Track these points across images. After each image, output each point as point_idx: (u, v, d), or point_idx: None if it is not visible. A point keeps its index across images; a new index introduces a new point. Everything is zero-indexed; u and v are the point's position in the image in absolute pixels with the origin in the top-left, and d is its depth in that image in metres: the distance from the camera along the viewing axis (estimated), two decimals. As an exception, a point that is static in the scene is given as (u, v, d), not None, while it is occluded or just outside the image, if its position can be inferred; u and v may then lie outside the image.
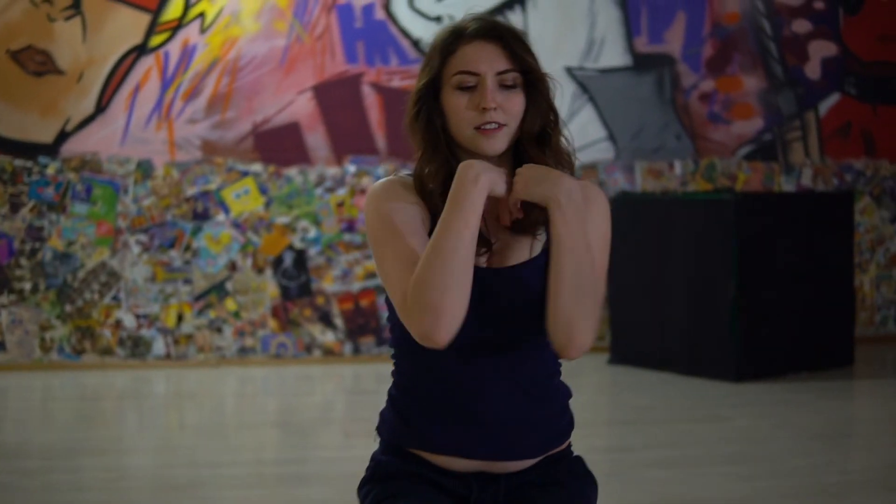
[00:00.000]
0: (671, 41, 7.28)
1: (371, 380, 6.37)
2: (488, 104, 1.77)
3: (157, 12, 6.73)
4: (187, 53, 6.75)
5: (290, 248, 6.85)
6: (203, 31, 6.77)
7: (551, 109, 1.86)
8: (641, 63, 7.20)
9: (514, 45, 1.81)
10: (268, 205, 6.83)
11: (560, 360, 1.91)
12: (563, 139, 1.89)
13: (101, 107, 6.70)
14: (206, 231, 6.77)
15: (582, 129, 7.06)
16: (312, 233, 6.85)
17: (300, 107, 6.83)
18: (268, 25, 6.80)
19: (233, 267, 6.80)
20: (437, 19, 6.90)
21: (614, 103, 7.15)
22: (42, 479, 4.15)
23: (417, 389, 1.87)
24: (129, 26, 6.70)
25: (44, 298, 6.64)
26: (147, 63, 6.73)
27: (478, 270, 1.76)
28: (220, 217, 6.79)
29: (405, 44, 6.91)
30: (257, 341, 6.82)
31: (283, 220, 6.84)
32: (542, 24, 7.04)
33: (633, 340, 6.57)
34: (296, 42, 6.82)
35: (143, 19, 6.72)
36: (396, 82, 6.90)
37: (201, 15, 6.76)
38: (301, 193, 6.85)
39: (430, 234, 1.80)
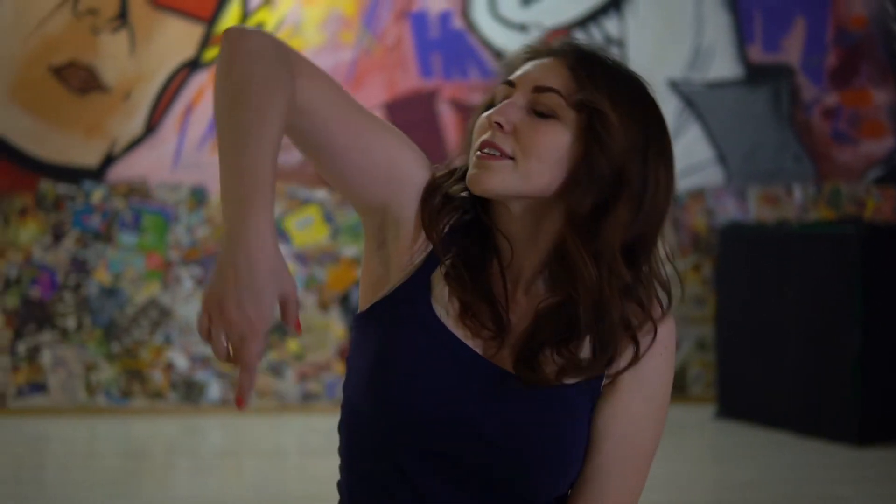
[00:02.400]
0: (789, 49, 6.82)
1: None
2: (495, 116, 1.35)
3: (211, 23, 6.43)
4: None
5: (358, 283, 6.35)
6: (262, 42, 6.34)
7: (623, 181, 1.35)
8: (755, 75, 6.78)
9: (581, 66, 1.36)
10: (333, 235, 6.51)
11: None
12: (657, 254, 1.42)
13: (151, 127, 6.44)
14: None
15: (687, 150, 6.67)
16: (382, 268, 6.41)
17: None
18: (333, 36, 6.49)
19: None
20: (522, 27, 6.57)
21: (724, 120, 6.76)
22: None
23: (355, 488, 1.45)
24: (181, 39, 6.42)
25: (89, 337, 6.38)
26: (201, 79, 6.43)
27: (474, 360, 1.36)
28: (282, 249, 6.34)
29: (486, 55, 6.56)
30: (321, 386, 6.50)
31: (350, 252, 6.50)
32: (643, 31, 6.70)
33: (742, 392, 6.15)
34: (364, 54, 6.50)
35: (197, 31, 6.43)
36: (476, 98, 6.41)
37: (260, 26, 6.44)
38: (370, 223, 6.40)
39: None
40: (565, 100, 1.35)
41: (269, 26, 6.38)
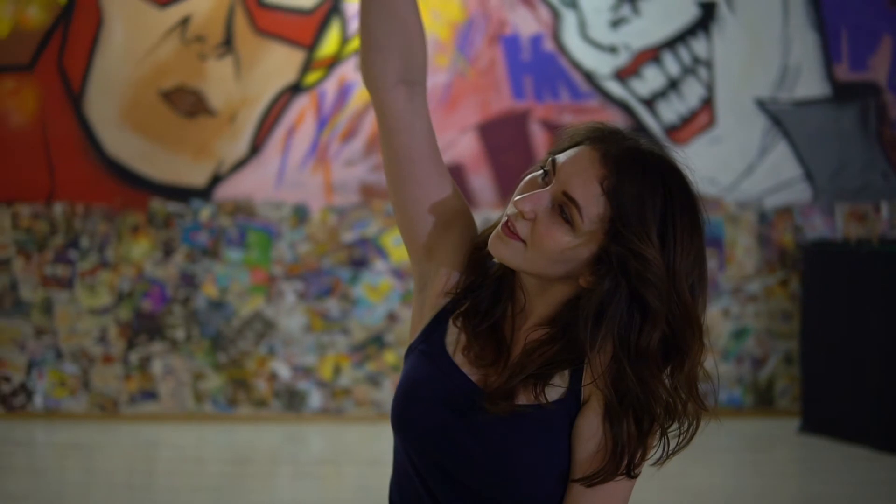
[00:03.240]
0: (876, 68, 6.79)
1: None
2: (521, 204, 1.45)
3: (312, 49, 6.60)
4: (344, 92, 6.60)
5: None
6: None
7: (645, 313, 1.41)
8: (842, 93, 6.77)
9: (615, 190, 1.41)
10: None
11: None
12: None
13: (255, 149, 6.63)
14: (365, 279, 6.59)
15: (775, 168, 6.71)
16: (476, 283, 6.55)
17: (464, 147, 6.63)
18: (429, 60, 6.52)
19: (392, 318, 6.58)
20: (612, 49, 6.64)
21: (812, 138, 6.75)
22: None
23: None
24: (284, 64, 6.60)
25: (197, 347, 6.61)
26: (302, 102, 6.61)
27: (465, 386, 1.52)
28: (379, 265, 6.59)
29: (577, 77, 6.64)
30: None
31: None
32: (730, 50, 6.71)
33: (825, 407, 6.15)
34: (458, 77, 6.63)
35: (298, 56, 6.60)
36: (567, 119, 6.62)
37: (358, 51, 6.54)
38: (464, 240, 6.55)
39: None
40: (583, 220, 1.42)
41: None
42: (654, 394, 1.41)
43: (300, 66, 6.58)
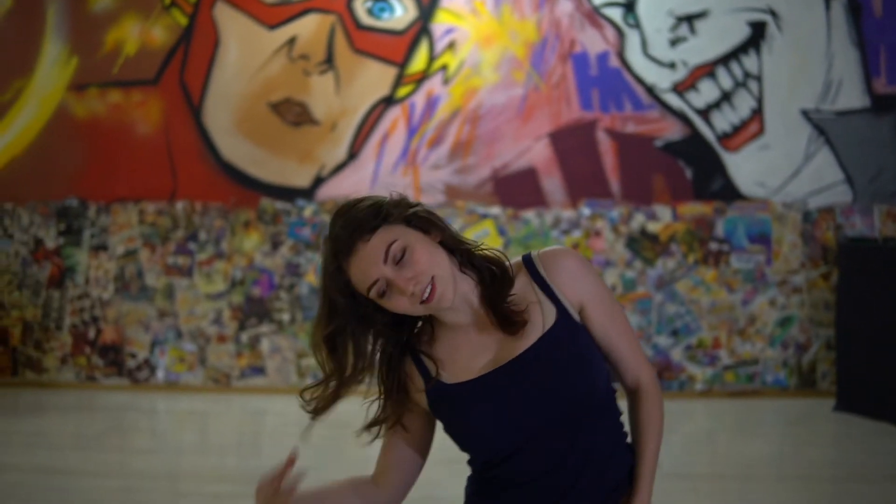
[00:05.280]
0: None
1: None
2: (406, 291, 1.77)
3: (403, 65, 7.07)
4: (431, 103, 7.07)
5: None
6: (446, 82, 7.08)
7: (436, 220, 1.87)
8: (880, 104, 6.96)
9: (371, 224, 1.80)
10: (506, 246, 7.01)
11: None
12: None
13: (353, 154, 7.10)
14: None
15: (818, 173, 6.95)
16: (548, 274, 7.01)
17: (537, 153, 7.04)
18: (506, 76, 7.05)
19: None
20: (671, 66, 6.97)
21: (852, 146, 6.95)
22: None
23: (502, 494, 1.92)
24: (378, 79, 7.08)
25: (300, 329, 7.08)
26: (394, 113, 7.09)
27: (496, 374, 1.84)
28: None
29: (639, 90, 7.01)
30: None
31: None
32: (778, 66, 6.97)
33: (858, 389, 6.28)
34: (533, 91, 7.03)
35: (391, 72, 7.08)
36: (631, 128, 7.02)
37: (444, 67, 7.07)
38: (538, 235, 7.07)
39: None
40: (392, 245, 1.78)
41: (451, 68, 7.03)
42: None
43: (393, 81, 7.07)
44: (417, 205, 1.86)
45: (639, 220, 7.00)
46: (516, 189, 7.06)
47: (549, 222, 7.07)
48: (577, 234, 7.05)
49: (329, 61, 7.07)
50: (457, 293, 1.83)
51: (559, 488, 1.85)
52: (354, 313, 1.85)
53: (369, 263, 1.78)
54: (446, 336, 1.91)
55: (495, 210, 7.09)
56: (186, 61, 7.22)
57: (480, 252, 1.90)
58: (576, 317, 1.88)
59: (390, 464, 2.01)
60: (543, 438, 1.83)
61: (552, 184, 7.07)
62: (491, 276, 1.87)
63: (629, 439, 1.99)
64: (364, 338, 1.88)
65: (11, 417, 6.45)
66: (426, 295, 1.77)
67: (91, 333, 7.34)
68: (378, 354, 1.93)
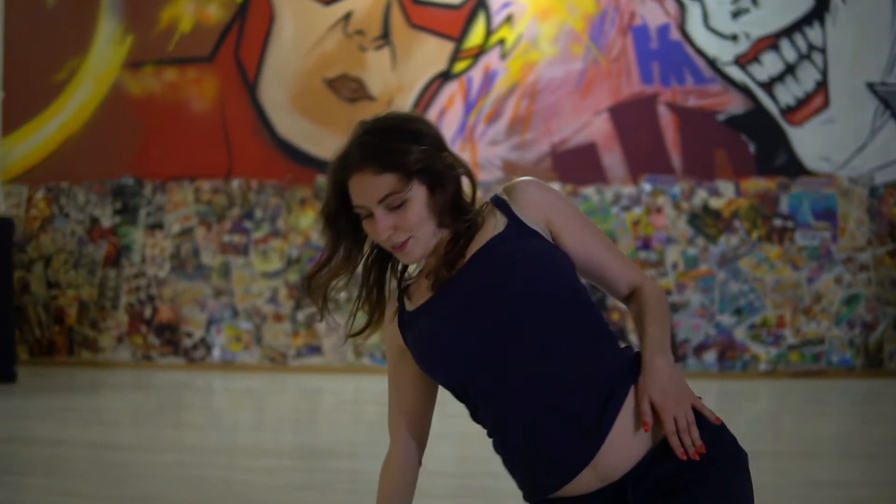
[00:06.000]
0: None
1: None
2: (380, 236, 1.79)
3: (460, 40, 7.06)
4: (489, 78, 7.05)
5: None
6: (503, 56, 7.05)
7: (452, 176, 1.83)
8: None
9: (388, 163, 1.78)
10: None
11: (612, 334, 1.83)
12: (464, 187, 1.87)
13: None
14: None
15: (884, 147, 6.85)
16: (608, 250, 6.96)
17: (597, 127, 6.99)
18: (565, 49, 7.00)
19: None
20: (734, 38, 6.90)
21: None
22: (349, 478, 4.18)
23: (499, 441, 1.82)
24: (435, 54, 7.07)
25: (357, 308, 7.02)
26: (451, 88, 7.07)
27: (441, 292, 1.81)
28: None
29: (701, 63, 6.94)
30: None
31: None
32: (842, 39, 6.89)
33: None
34: (592, 65, 6.99)
35: (447, 47, 7.07)
36: (692, 101, 6.94)
37: (501, 42, 7.04)
38: (598, 212, 7.01)
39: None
40: (396, 192, 1.76)
41: (509, 42, 7.00)
42: None
43: (449, 56, 7.05)
44: (445, 152, 1.83)
45: (701, 196, 6.91)
46: (575, 165, 7.00)
47: (609, 199, 7.00)
48: (637, 211, 6.97)
49: (385, 36, 7.08)
50: (425, 252, 1.84)
51: (543, 408, 1.72)
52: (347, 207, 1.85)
53: (366, 192, 1.79)
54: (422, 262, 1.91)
55: (554, 186, 6.94)
56: (242, 38, 7.25)
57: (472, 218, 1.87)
58: (536, 228, 1.83)
59: (409, 420, 1.98)
60: (496, 349, 1.74)
61: (612, 159, 7.01)
62: (466, 230, 1.85)
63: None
64: (356, 226, 1.88)
65: (68, 396, 6.49)
66: (396, 246, 1.80)
67: (147, 312, 7.36)
68: (367, 257, 1.95)
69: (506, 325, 1.74)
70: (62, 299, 7.48)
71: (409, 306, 1.90)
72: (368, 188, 1.78)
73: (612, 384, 1.73)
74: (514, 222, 1.82)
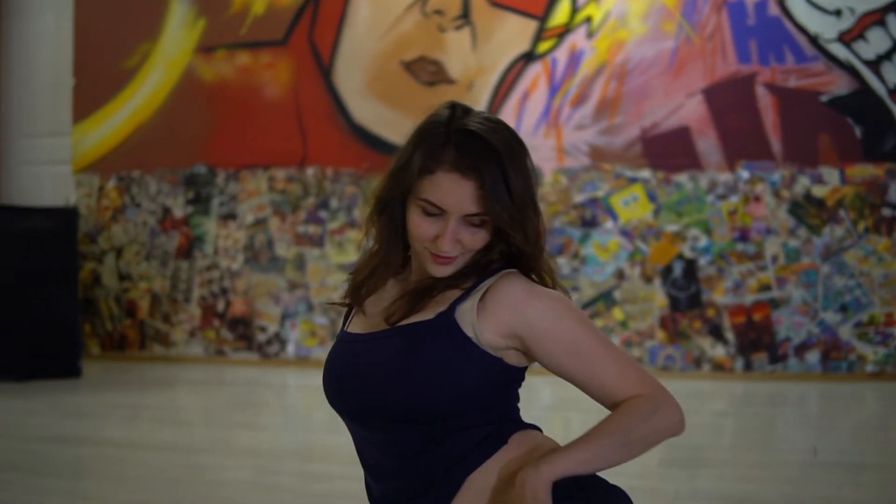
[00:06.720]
0: None
1: (763, 400, 6.06)
2: (443, 246, 1.65)
3: (544, 19, 6.79)
4: (574, 59, 6.76)
5: (680, 257, 6.67)
6: (590, 35, 6.72)
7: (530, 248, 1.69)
8: None
9: (494, 187, 1.61)
10: (657, 212, 6.68)
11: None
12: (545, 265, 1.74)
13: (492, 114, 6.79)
14: (594, 238, 6.75)
15: None
16: (703, 241, 6.63)
17: (690, 110, 6.65)
18: (656, 27, 6.68)
19: (621, 276, 6.72)
20: (837, 13, 6.50)
21: None
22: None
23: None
24: (517, 34, 6.80)
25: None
26: (535, 70, 6.80)
27: (353, 338, 1.76)
28: (609, 224, 6.74)
29: (802, 40, 6.54)
30: (644, 352, 6.71)
31: (672, 228, 6.67)
32: None
33: None
34: (685, 43, 6.65)
35: (531, 26, 6.80)
36: (793, 82, 6.54)
37: (588, 19, 6.74)
38: (691, 200, 6.65)
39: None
40: (482, 215, 1.63)
41: (596, 20, 6.69)
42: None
43: (533, 36, 6.77)
44: (537, 220, 1.69)
45: (803, 183, 6.52)
46: (667, 150, 6.65)
47: (704, 186, 6.62)
48: (734, 200, 6.58)
49: (465, 16, 6.85)
50: (444, 275, 1.72)
51: (375, 472, 1.79)
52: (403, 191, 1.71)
53: (458, 198, 1.63)
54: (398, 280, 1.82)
55: (645, 173, 6.71)
56: (316, 20, 7.07)
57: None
58: (473, 334, 1.67)
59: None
60: (351, 415, 1.77)
61: (707, 144, 6.65)
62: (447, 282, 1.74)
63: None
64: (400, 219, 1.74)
65: (139, 392, 6.36)
66: (442, 258, 1.67)
67: (220, 306, 7.21)
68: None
69: (358, 413, 1.74)
70: (134, 292, 7.36)
71: (350, 322, 1.84)
72: (466, 199, 1.63)
73: (442, 481, 1.69)
74: (443, 319, 1.68)
